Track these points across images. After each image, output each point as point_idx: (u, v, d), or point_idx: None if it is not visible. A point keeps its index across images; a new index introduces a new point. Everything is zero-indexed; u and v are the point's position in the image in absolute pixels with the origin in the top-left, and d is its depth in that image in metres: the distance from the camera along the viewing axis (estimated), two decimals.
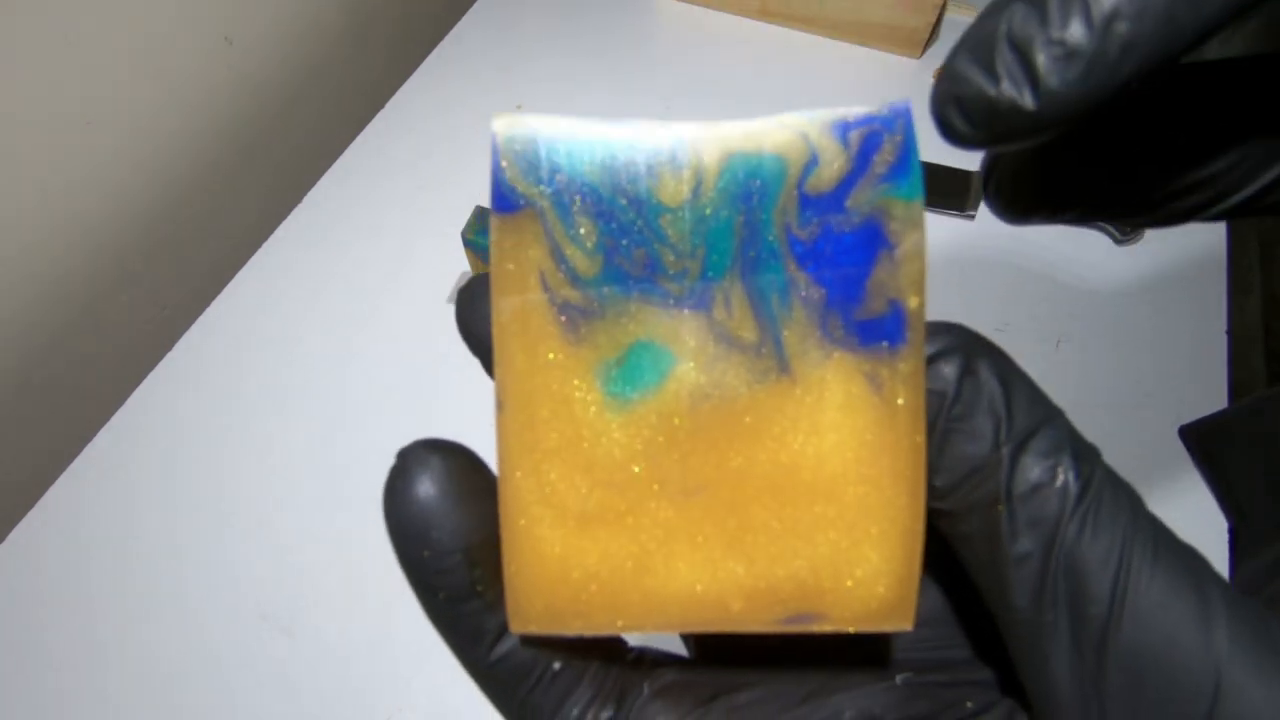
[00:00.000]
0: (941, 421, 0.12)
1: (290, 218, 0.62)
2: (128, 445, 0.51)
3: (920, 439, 0.12)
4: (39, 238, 0.53)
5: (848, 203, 0.12)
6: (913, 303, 0.12)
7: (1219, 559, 0.44)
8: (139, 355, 0.55)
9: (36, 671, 0.43)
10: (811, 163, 0.13)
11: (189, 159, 0.64)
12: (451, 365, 0.53)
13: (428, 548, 0.14)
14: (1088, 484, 0.12)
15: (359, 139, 0.67)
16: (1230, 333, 0.54)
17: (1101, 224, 0.60)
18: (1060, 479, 0.12)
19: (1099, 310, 0.56)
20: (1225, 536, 0.45)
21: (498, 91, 0.69)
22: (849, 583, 0.13)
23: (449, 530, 0.13)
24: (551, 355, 0.13)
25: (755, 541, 0.13)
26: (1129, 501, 0.12)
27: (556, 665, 0.14)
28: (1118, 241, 0.59)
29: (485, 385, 0.53)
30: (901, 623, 0.13)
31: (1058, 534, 0.12)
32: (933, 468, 0.12)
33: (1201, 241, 0.59)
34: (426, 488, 0.14)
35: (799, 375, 0.13)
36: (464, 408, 0.52)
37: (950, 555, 0.16)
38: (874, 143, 0.13)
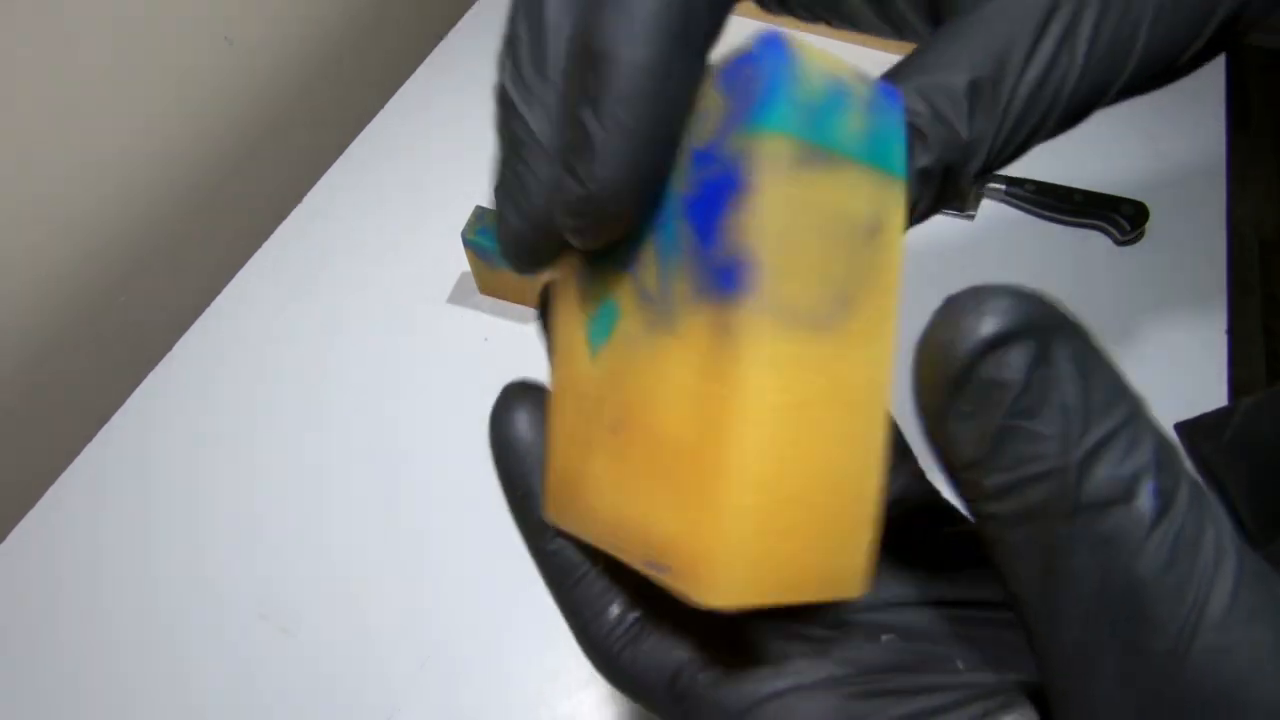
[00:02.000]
0: (1003, 415, 0.10)
1: (290, 218, 0.62)
2: (128, 445, 0.51)
3: (773, 398, 0.12)
4: (38, 238, 0.53)
5: (720, 150, 0.12)
6: (756, 249, 0.11)
7: None
8: (139, 355, 0.55)
9: (36, 671, 0.43)
10: (696, 118, 0.13)
11: (189, 159, 0.64)
12: (451, 364, 0.53)
13: (519, 459, 0.17)
14: (1168, 504, 0.10)
15: (359, 139, 0.67)
16: (1230, 333, 0.54)
17: (1101, 225, 0.60)
18: (1139, 498, 0.10)
19: (1099, 310, 0.56)
20: None
21: None
22: (688, 544, 0.12)
23: (533, 447, 0.17)
24: (568, 316, 0.16)
25: (638, 488, 0.14)
26: (1214, 524, 0.10)
27: (597, 569, 0.17)
28: (1118, 242, 0.59)
29: (484, 385, 0.54)
30: (722, 598, 0.12)
31: (1126, 558, 0.10)
32: (985, 466, 0.11)
33: (1201, 241, 0.59)
34: (523, 417, 0.17)
35: (678, 326, 0.13)
36: (464, 407, 0.52)
37: (937, 548, 0.16)
38: (743, 82, 0.12)
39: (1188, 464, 0.11)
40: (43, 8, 0.48)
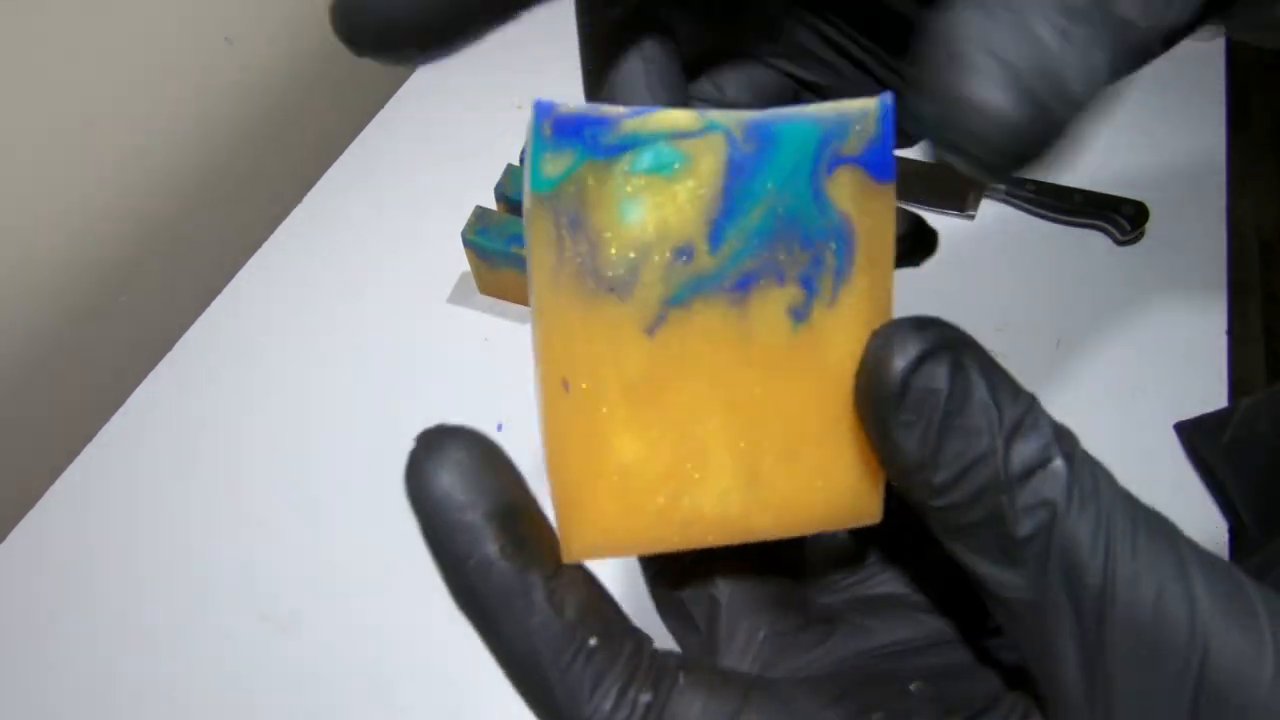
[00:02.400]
0: (938, 419, 0.12)
1: (290, 217, 0.62)
2: (128, 445, 0.51)
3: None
4: (38, 238, 0.53)
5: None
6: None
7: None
8: (139, 355, 0.55)
9: (36, 671, 0.43)
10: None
11: (189, 159, 0.64)
12: (451, 365, 0.53)
13: (456, 513, 0.13)
14: (1072, 461, 0.13)
15: (359, 139, 0.67)
16: (1230, 333, 0.54)
17: (1101, 225, 0.60)
18: (1053, 462, 0.13)
19: (1099, 310, 0.56)
20: (1225, 537, 0.45)
21: (498, 91, 0.69)
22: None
23: (480, 492, 0.13)
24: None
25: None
26: (1105, 475, 0.13)
27: (593, 642, 0.13)
28: (1118, 241, 0.59)
29: (484, 385, 0.54)
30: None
31: (1055, 513, 0.12)
32: (932, 465, 0.13)
33: (1201, 241, 0.59)
34: (458, 453, 0.14)
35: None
36: (464, 407, 0.52)
37: (945, 580, 0.17)
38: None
39: (1076, 438, 0.13)
40: (43, 8, 0.48)
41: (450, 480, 0.14)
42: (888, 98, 0.13)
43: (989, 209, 0.61)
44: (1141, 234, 0.59)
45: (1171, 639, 0.12)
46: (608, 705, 0.13)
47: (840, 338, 0.14)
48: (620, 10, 0.14)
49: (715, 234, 0.13)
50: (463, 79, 0.71)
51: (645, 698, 0.13)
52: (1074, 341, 0.55)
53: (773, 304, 0.14)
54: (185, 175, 0.64)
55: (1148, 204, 0.59)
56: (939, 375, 0.12)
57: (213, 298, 0.57)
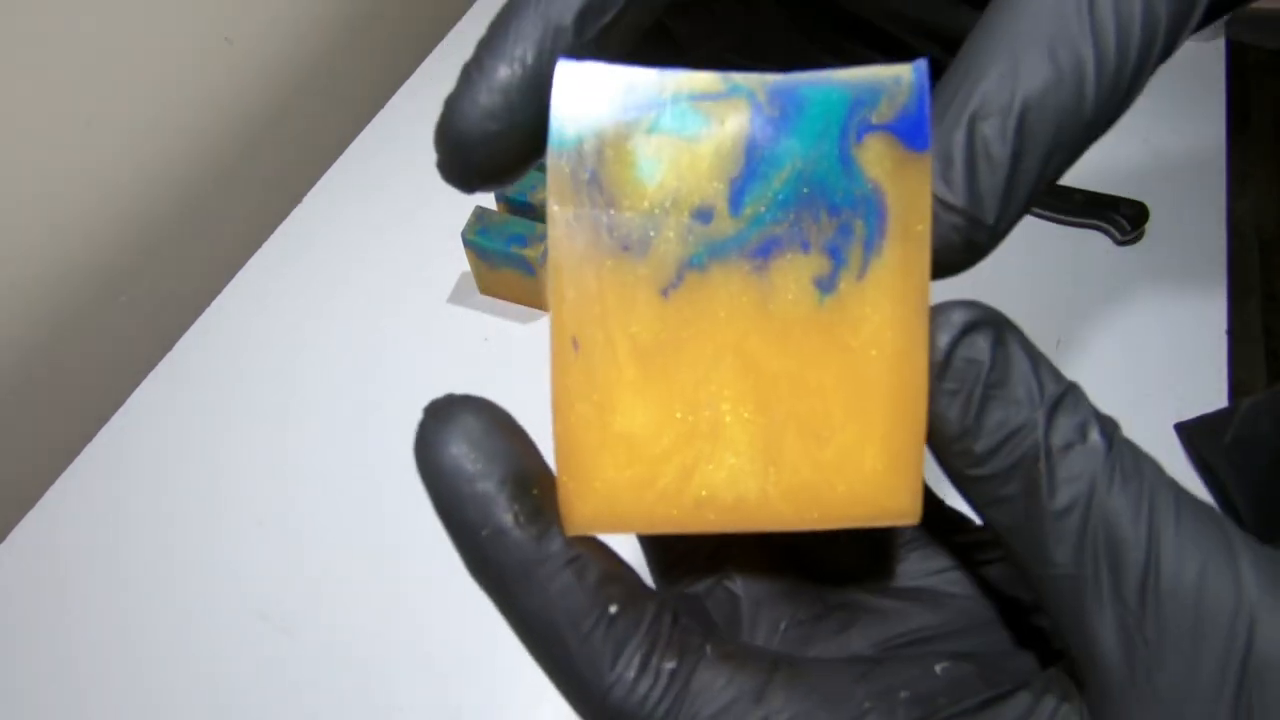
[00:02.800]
0: (979, 389, 0.13)
1: (290, 218, 0.62)
2: (128, 445, 0.51)
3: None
4: (38, 237, 0.53)
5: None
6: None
7: None
8: (139, 355, 0.55)
9: (36, 671, 0.43)
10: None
11: (189, 159, 0.64)
12: (451, 365, 0.53)
13: (467, 482, 0.13)
14: (1112, 442, 0.13)
15: (359, 139, 0.67)
16: (1230, 333, 0.54)
17: (1101, 225, 0.60)
18: (1091, 437, 0.13)
19: (1099, 310, 0.56)
20: None
21: None
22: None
23: (492, 460, 0.13)
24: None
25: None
26: (1149, 459, 0.13)
27: (614, 609, 0.13)
28: (1118, 241, 0.59)
29: (485, 385, 0.53)
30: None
31: (1094, 487, 0.12)
32: (973, 434, 0.13)
33: (1201, 241, 0.59)
34: (468, 422, 0.14)
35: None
36: None
37: (983, 563, 0.17)
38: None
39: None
40: (43, 8, 0.48)
41: (460, 449, 0.13)
42: (922, 64, 0.13)
43: None
44: (1141, 234, 0.59)
45: (1216, 617, 0.12)
46: (630, 674, 0.13)
47: (870, 313, 0.13)
48: (634, 33, 0.14)
49: (736, 197, 0.13)
50: None
51: (669, 665, 0.13)
52: (1074, 341, 0.55)
53: (796, 272, 0.13)
54: (185, 175, 0.64)
55: (1148, 204, 0.59)
56: (982, 347, 0.13)
57: (213, 298, 0.57)
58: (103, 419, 0.52)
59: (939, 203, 0.13)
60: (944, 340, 0.13)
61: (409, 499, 0.52)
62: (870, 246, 0.13)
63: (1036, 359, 0.13)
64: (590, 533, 0.13)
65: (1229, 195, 0.62)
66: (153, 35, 0.57)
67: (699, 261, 0.13)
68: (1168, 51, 0.14)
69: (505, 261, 0.52)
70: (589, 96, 0.13)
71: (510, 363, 0.53)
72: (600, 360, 0.13)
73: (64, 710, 0.42)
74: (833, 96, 0.13)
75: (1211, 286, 0.57)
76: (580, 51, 0.14)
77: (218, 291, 0.58)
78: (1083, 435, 0.13)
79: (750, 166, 0.13)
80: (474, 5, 0.77)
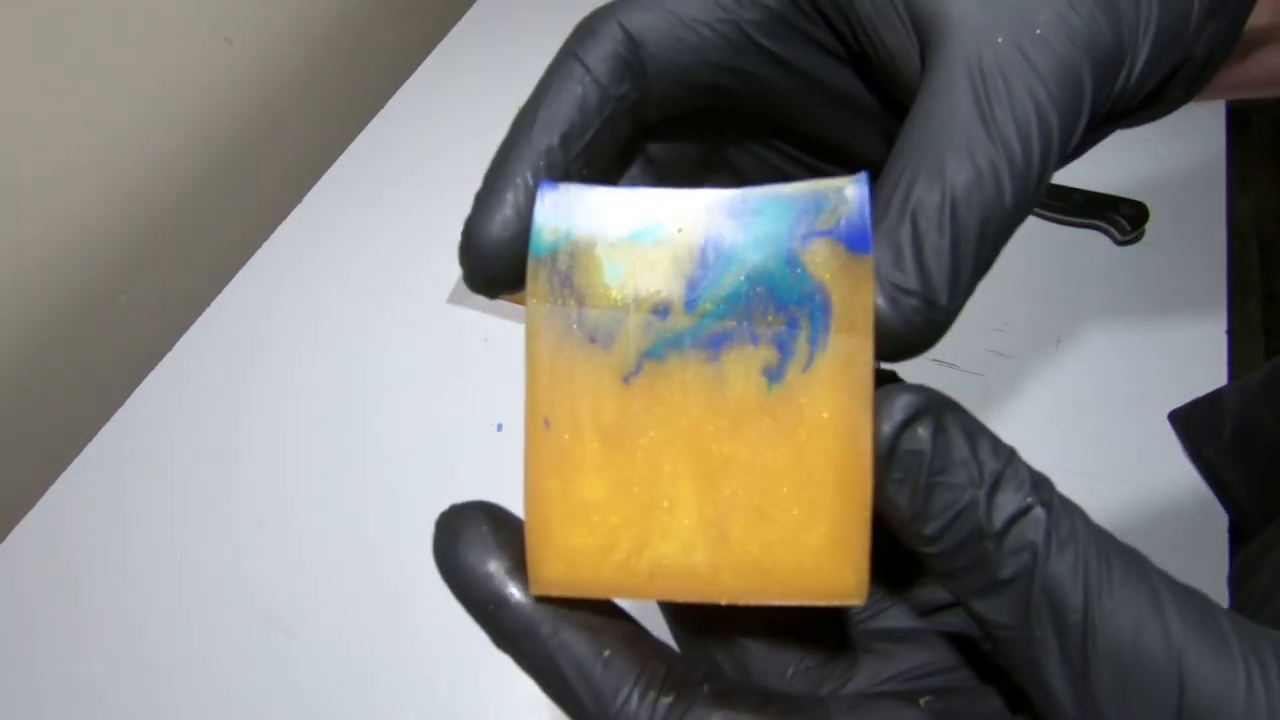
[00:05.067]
0: (924, 478, 0.14)
1: (290, 218, 0.62)
2: (128, 445, 0.51)
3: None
4: (39, 238, 0.53)
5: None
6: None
7: (1218, 553, 0.44)
8: (139, 355, 0.55)
9: (36, 671, 0.43)
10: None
11: (189, 159, 0.64)
12: (451, 365, 0.53)
13: (482, 578, 0.16)
14: (1050, 508, 0.14)
15: (359, 139, 0.67)
16: (1230, 333, 0.54)
17: (1101, 225, 0.60)
18: (1033, 510, 0.14)
19: (1099, 310, 0.56)
20: (1225, 531, 0.45)
21: (498, 91, 0.68)
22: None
23: (499, 555, 0.16)
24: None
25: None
26: (1081, 516, 0.14)
27: (607, 653, 0.15)
28: (1118, 242, 0.59)
29: (483, 384, 0.54)
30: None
31: (1036, 557, 0.14)
32: (922, 517, 0.14)
33: (1201, 241, 0.59)
34: (471, 530, 0.16)
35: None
36: (463, 407, 0.52)
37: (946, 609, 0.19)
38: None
39: (1052, 484, 0.15)
40: (43, 8, 0.48)
41: (469, 552, 0.16)
42: (863, 177, 0.15)
43: None
44: (1141, 234, 0.59)
45: (1150, 669, 0.13)
46: (630, 707, 0.14)
47: (817, 401, 0.14)
48: (612, 150, 0.18)
49: (690, 295, 0.14)
50: (462, 79, 0.71)
51: (666, 700, 0.14)
52: (1074, 341, 0.55)
53: (746, 363, 0.14)
54: (185, 175, 0.64)
55: (1148, 204, 0.59)
56: (923, 437, 0.14)
57: (213, 298, 0.57)
58: (103, 419, 0.52)
59: (897, 289, 0.14)
60: (887, 432, 0.14)
61: (409, 499, 0.52)
62: (815, 340, 0.14)
63: (976, 439, 0.14)
64: (554, 594, 0.15)
65: (1229, 195, 0.62)
66: (153, 35, 0.57)
67: (657, 352, 0.14)
68: (1064, 150, 0.16)
69: None
70: (564, 212, 0.15)
71: (510, 363, 0.53)
72: (568, 439, 0.15)
73: (64, 710, 0.42)
74: (781, 205, 0.15)
75: (1211, 286, 0.56)
76: (570, 169, 0.16)
77: (218, 291, 0.58)
78: (1025, 508, 0.14)
79: (703, 268, 0.14)
80: (474, 6, 0.77)
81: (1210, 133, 0.66)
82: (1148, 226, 0.59)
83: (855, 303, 0.14)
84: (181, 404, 0.53)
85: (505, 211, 0.16)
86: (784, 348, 0.14)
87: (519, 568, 0.15)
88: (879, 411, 0.14)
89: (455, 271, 0.58)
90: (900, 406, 0.14)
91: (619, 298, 0.14)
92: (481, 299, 0.57)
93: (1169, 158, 0.65)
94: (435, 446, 0.49)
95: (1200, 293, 0.56)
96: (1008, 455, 0.14)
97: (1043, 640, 0.14)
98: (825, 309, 0.14)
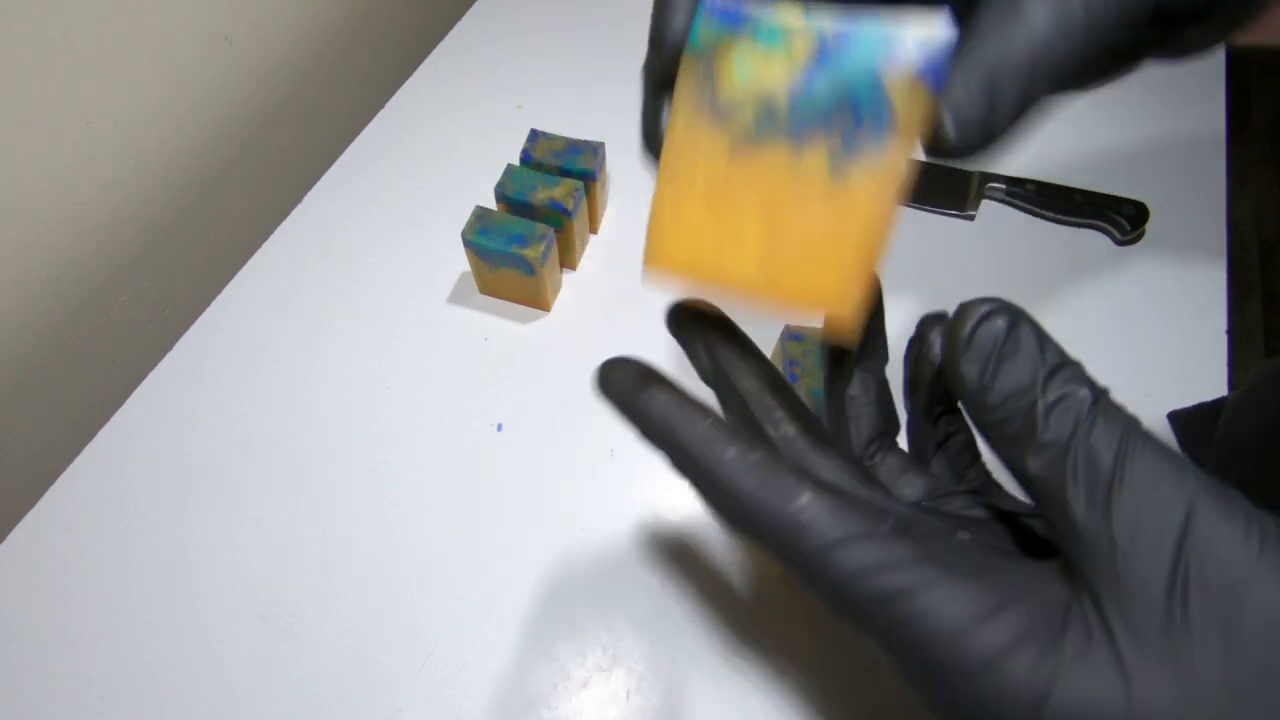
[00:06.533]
0: (995, 358, 0.18)
1: (290, 218, 0.62)
2: (128, 445, 0.51)
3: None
4: (38, 238, 0.53)
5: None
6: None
7: None
8: (139, 355, 0.55)
9: (36, 672, 0.43)
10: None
11: (189, 159, 0.64)
12: (451, 365, 0.53)
13: (684, 413, 0.20)
14: (1098, 399, 0.17)
15: (359, 139, 0.67)
16: (1230, 333, 0.54)
17: (1101, 225, 0.60)
18: (1079, 393, 0.17)
19: (1099, 310, 0.56)
20: None
21: (498, 91, 0.69)
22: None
23: (687, 403, 0.21)
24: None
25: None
26: (1130, 416, 0.17)
27: (711, 419, 0.20)
28: (1118, 241, 0.59)
29: (483, 384, 0.54)
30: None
31: (1077, 425, 0.17)
32: (989, 389, 0.18)
33: (1201, 241, 0.59)
34: (665, 390, 0.21)
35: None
36: (463, 407, 0.52)
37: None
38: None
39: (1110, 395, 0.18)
40: (43, 7, 0.48)
41: (668, 394, 0.21)
42: (949, 22, 0.18)
43: (989, 209, 0.61)
44: (1141, 234, 0.59)
45: (1165, 511, 0.16)
46: (732, 450, 0.19)
47: (864, 192, 0.19)
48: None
49: (793, 96, 0.19)
50: (463, 79, 0.71)
51: (789, 433, 0.22)
52: (1074, 341, 0.54)
53: (817, 153, 0.19)
54: (185, 175, 0.64)
55: (1148, 204, 0.59)
56: (999, 327, 0.18)
57: (212, 298, 0.57)
58: (102, 420, 0.52)
59: (957, 114, 0.18)
60: (970, 322, 0.18)
61: (409, 499, 0.52)
62: (876, 144, 0.19)
63: (1044, 341, 0.18)
64: (661, 271, 0.21)
65: (1229, 195, 0.62)
66: (153, 35, 0.57)
67: (758, 136, 0.20)
68: (1124, 19, 0.19)
69: (505, 261, 0.52)
70: (715, 17, 0.20)
71: (510, 363, 0.53)
72: (684, 182, 0.20)
73: (64, 710, 0.42)
74: (879, 37, 0.18)
75: (1211, 286, 0.57)
76: None
77: (217, 292, 0.58)
78: (1072, 391, 0.17)
79: (806, 79, 0.19)
80: (474, 6, 0.77)
81: (1210, 132, 0.66)
82: (1148, 226, 0.59)
83: (912, 121, 0.18)
84: (181, 404, 0.53)
85: (682, 16, 0.20)
86: (849, 145, 0.19)
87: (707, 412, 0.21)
88: (965, 309, 0.18)
89: (455, 271, 0.58)
90: (984, 305, 0.18)
91: (740, 90, 0.20)
92: (481, 299, 0.57)
93: (1169, 158, 0.65)
94: (435, 446, 0.49)
95: (1200, 293, 0.56)
96: (1069, 360, 0.18)
97: (1073, 486, 0.17)
98: (890, 123, 0.19)
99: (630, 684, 0.42)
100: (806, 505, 0.18)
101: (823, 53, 0.19)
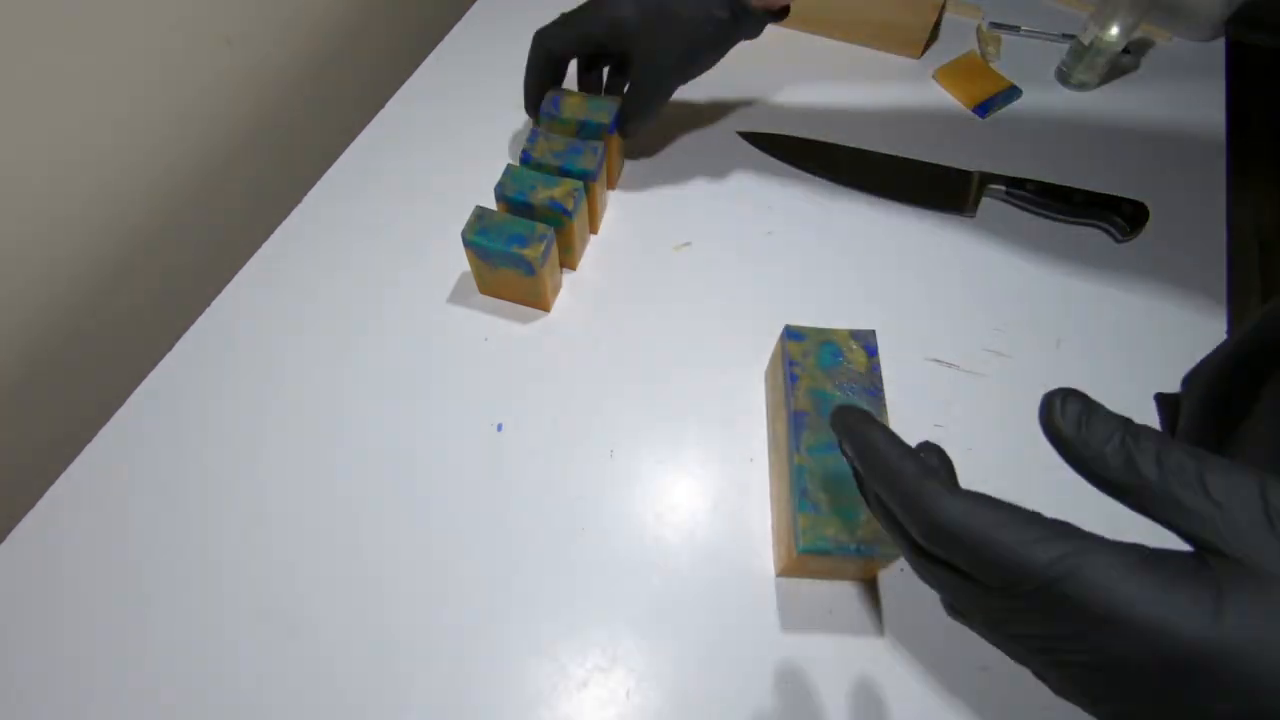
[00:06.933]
0: (1083, 417, 0.24)
1: (290, 217, 0.62)
2: (128, 445, 0.51)
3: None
4: (39, 238, 0.53)
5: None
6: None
7: None
8: (139, 355, 0.55)
9: (36, 672, 0.43)
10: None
11: (189, 159, 0.64)
12: (451, 364, 0.53)
13: (896, 454, 0.27)
14: (1164, 439, 0.23)
15: (359, 139, 0.67)
16: (1230, 333, 0.54)
17: (1101, 225, 0.60)
18: (1116, 440, 0.24)
19: (1099, 310, 0.56)
20: None
21: (498, 92, 0.69)
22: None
23: (902, 449, 0.28)
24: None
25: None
26: (1172, 443, 0.23)
27: (920, 456, 0.27)
28: (1118, 241, 0.59)
29: (483, 384, 0.54)
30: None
31: (1162, 446, 0.23)
32: (1081, 441, 0.24)
33: (1201, 241, 0.59)
34: (878, 429, 0.28)
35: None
36: (463, 407, 0.52)
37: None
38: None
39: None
40: (43, 8, 0.48)
41: (883, 436, 0.28)
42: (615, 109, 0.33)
43: (989, 209, 0.61)
44: (1141, 234, 0.59)
45: (1241, 479, 0.22)
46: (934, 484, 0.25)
47: None
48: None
49: None
50: (463, 79, 0.71)
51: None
52: (1074, 341, 0.55)
53: None
54: (185, 175, 0.64)
55: (1148, 204, 0.59)
56: (1079, 406, 0.24)
57: (213, 298, 0.57)
58: (104, 418, 0.52)
59: None
60: (1056, 408, 0.24)
61: (409, 498, 0.52)
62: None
63: (1102, 409, 0.24)
64: None
65: (1229, 195, 0.62)
66: (153, 35, 0.57)
67: None
68: None
69: (505, 261, 0.52)
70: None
71: (510, 363, 0.53)
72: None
73: (64, 711, 0.42)
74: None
75: (1211, 286, 0.57)
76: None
77: (217, 292, 0.58)
78: (1121, 441, 0.23)
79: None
80: (474, 6, 0.77)
81: (1210, 133, 0.66)
82: (1148, 226, 0.59)
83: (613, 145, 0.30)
84: (181, 405, 0.53)
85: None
86: None
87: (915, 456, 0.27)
88: (1051, 400, 0.24)
89: (455, 271, 0.58)
90: (1062, 393, 0.24)
91: None
92: (481, 299, 0.57)
93: (1169, 157, 0.65)
94: (435, 446, 0.49)
95: (1200, 293, 0.56)
96: (1126, 420, 0.24)
97: (1177, 490, 0.22)
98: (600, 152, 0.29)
99: (630, 684, 0.42)
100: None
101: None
